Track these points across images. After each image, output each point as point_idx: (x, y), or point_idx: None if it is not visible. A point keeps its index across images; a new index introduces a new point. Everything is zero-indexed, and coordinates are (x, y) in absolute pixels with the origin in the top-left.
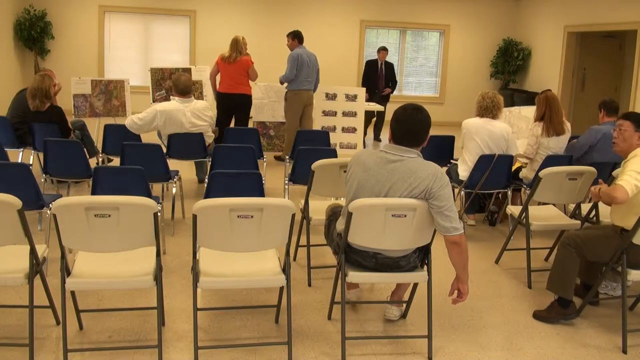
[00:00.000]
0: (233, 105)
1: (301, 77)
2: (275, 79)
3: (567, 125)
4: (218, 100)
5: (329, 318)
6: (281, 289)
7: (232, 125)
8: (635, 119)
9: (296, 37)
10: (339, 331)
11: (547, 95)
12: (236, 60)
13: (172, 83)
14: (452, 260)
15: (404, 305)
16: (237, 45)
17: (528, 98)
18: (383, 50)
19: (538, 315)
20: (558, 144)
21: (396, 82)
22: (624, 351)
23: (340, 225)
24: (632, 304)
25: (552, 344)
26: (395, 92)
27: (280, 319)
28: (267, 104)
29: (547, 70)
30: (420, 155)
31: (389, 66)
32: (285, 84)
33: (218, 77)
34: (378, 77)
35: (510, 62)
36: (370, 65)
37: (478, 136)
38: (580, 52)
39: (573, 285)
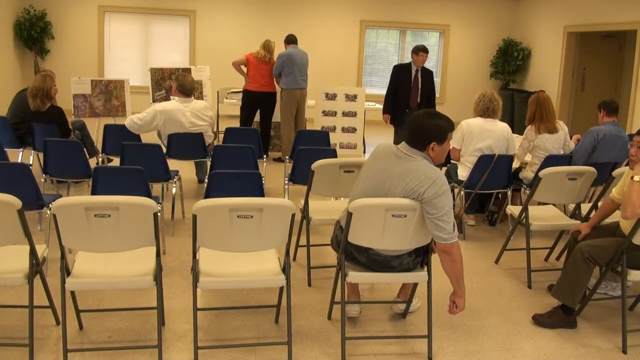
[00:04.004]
0: (261, 102)
1: (295, 75)
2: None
3: (561, 125)
4: (247, 98)
5: (329, 318)
6: (281, 289)
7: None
8: None
9: (285, 40)
10: (339, 331)
11: (539, 95)
12: (270, 61)
13: (175, 82)
14: (444, 268)
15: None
16: (270, 48)
17: (528, 98)
18: (422, 51)
19: (538, 320)
20: (554, 145)
21: (434, 95)
22: (624, 351)
23: (342, 213)
24: (632, 304)
25: (552, 344)
26: None
27: (280, 319)
28: None
29: (547, 70)
30: (428, 159)
31: (427, 74)
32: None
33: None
34: (411, 90)
35: (510, 62)
36: (400, 72)
37: (479, 137)
38: (580, 52)
39: (582, 295)
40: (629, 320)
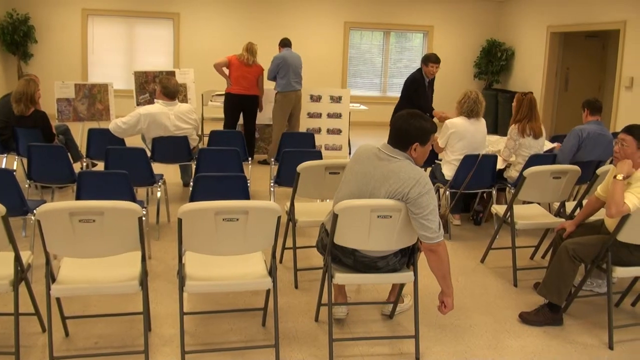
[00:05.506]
0: (244, 105)
1: (289, 78)
2: None
3: (542, 128)
4: (230, 102)
5: (316, 320)
6: (268, 291)
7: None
8: (639, 134)
9: (280, 44)
10: (327, 333)
11: (531, 98)
12: (253, 64)
13: (159, 85)
14: (431, 268)
15: (402, 300)
16: (254, 51)
17: (512, 98)
18: (433, 62)
19: (525, 318)
20: (538, 144)
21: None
22: (610, 347)
23: (327, 216)
24: (618, 300)
25: (538, 342)
26: (378, 94)
27: (267, 322)
28: None
29: (531, 71)
30: (410, 160)
31: (432, 82)
32: (274, 85)
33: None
34: (428, 100)
35: (493, 62)
36: (418, 84)
37: (465, 137)
38: (564, 52)
39: (568, 292)
40: (615, 316)
